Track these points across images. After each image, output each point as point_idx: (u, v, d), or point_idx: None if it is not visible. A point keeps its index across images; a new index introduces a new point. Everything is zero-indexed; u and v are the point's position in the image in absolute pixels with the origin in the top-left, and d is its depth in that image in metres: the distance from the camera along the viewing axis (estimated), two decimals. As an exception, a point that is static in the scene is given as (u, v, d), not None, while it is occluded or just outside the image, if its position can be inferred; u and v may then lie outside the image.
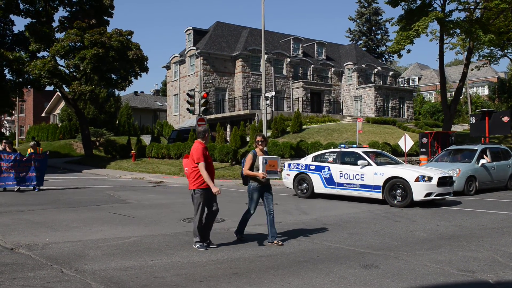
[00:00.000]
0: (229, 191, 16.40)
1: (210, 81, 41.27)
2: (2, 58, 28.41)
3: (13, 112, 41.97)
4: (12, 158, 15.38)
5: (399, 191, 11.90)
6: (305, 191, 14.17)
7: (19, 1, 30.95)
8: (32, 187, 15.74)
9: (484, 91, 62.78)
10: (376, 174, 12.36)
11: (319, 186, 13.77)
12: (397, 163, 13.71)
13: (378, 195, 12.27)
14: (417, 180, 11.66)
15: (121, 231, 8.20)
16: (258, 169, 7.19)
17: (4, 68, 30.21)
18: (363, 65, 49.38)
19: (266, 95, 22.75)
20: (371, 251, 6.77)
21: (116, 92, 48.03)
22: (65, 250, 6.71)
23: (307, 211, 11.13)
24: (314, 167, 14.00)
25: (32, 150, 16.20)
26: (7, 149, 15.74)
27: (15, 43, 33.42)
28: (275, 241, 7.19)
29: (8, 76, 31.51)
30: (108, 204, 12.24)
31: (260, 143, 7.39)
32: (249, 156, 7.32)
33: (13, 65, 29.39)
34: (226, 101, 42.26)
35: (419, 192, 11.60)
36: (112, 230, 8.34)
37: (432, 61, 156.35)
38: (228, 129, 36.75)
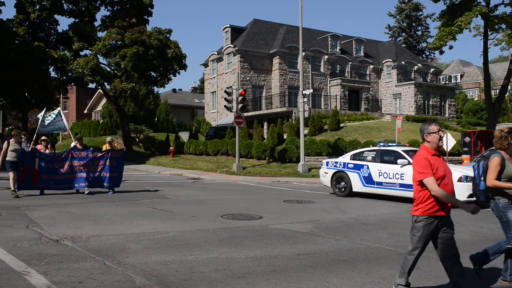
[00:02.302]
0: (266, 188, 16.42)
1: (248, 78, 41.40)
2: (47, 57, 29.42)
3: (56, 108, 43.34)
4: (85, 155, 13.47)
5: (440, 191, 11.57)
6: (343, 189, 14.01)
7: (63, 1, 31.95)
8: (107, 189, 13.80)
9: (531, 89, 60.28)
10: (416, 173, 12.05)
11: (357, 185, 13.59)
12: (439, 162, 13.33)
13: (419, 195, 11.96)
14: (460, 180, 11.32)
15: (161, 226, 8.34)
16: (509, 179, 5.20)
17: (49, 66, 31.28)
18: (403, 62, 48.36)
19: (304, 92, 22.62)
20: (412, 252, 6.62)
21: (155, 89, 48.85)
22: (107, 243, 6.89)
23: (345, 210, 11.01)
24: (352, 165, 13.82)
25: (108, 147, 14.76)
26: (78, 145, 14.04)
27: (59, 42, 34.57)
28: None
29: (53, 74, 32.64)
30: (147, 199, 12.48)
31: None
32: (496, 161, 5.27)
33: (58, 64, 30.41)
34: (263, 98, 42.30)
35: (462, 192, 11.25)
36: (152, 224, 8.50)
37: (475, 58, 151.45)
38: (265, 127, 36.79)
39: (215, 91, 45.79)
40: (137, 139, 39.83)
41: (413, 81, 46.42)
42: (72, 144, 14.28)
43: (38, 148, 13.27)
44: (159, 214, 9.81)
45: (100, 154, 13.88)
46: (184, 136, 38.31)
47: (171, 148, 31.42)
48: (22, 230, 7.69)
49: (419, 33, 68.15)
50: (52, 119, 15.14)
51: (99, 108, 58.54)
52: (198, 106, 57.89)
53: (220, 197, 13.51)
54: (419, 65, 50.17)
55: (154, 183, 17.44)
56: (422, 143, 4.89)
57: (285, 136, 28.11)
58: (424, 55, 67.65)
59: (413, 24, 67.62)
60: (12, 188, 12.37)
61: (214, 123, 44.14)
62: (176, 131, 41.26)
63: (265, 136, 31.32)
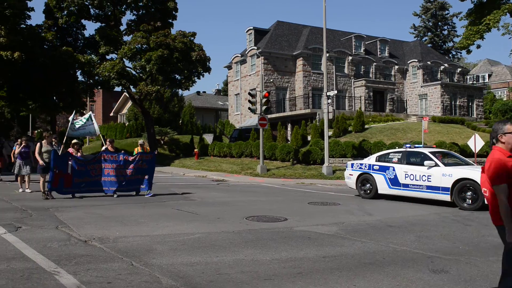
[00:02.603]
0: (290, 190, 16.38)
1: (271, 80, 41.41)
2: (74, 61, 30.05)
3: (84, 112, 44.22)
4: (117, 158, 13.37)
5: (469, 193, 11.35)
6: (368, 191, 13.87)
7: (90, 7, 32.59)
8: (141, 191, 13.76)
9: (562, 88, 58.56)
10: (444, 175, 11.87)
11: (383, 187, 13.43)
12: (467, 164, 13.12)
13: (446, 197, 11.78)
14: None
15: (186, 227, 8.40)
16: None
17: (77, 70, 31.94)
18: (429, 62, 47.60)
19: (328, 94, 22.50)
20: (440, 255, 6.51)
21: (180, 92, 49.34)
22: (134, 244, 6.97)
23: (371, 212, 10.89)
24: (378, 167, 13.67)
25: (139, 149, 14.56)
26: (110, 148, 14.00)
27: (86, 46, 35.26)
28: None
29: (80, 77, 33.30)
30: (173, 200, 12.59)
31: None
32: None
33: (85, 67, 31.02)
34: (287, 100, 42.23)
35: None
36: (177, 226, 8.57)
37: (503, 57, 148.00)
38: (289, 128, 36.73)
39: (238, 93, 45.95)
40: (162, 142, 40.25)
41: (440, 81, 45.63)
42: (104, 148, 14.24)
43: (70, 152, 13.32)
44: (185, 215, 9.89)
45: (132, 157, 13.79)
46: (208, 138, 38.57)
47: (195, 150, 31.66)
48: (51, 231, 7.86)
49: (445, 32, 67.01)
50: (82, 123, 15.25)
51: (124, 111, 59.43)
52: (222, 108, 58.18)
53: (245, 199, 13.53)
54: (446, 65, 49.31)
55: (179, 185, 17.59)
56: (449, 144, 4.74)
57: (309, 137, 28.00)
58: (450, 55, 66.48)
59: (439, 23, 66.52)
60: (42, 190, 12.55)
61: (238, 125, 44.28)
62: (200, 133, 41.55)
63: (289, 138, 31.26)
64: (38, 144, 13.25)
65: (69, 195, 12.81)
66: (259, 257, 6.28)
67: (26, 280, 5.02)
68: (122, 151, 14.01)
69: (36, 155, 12.95)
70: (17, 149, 15.30)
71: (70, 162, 12.64)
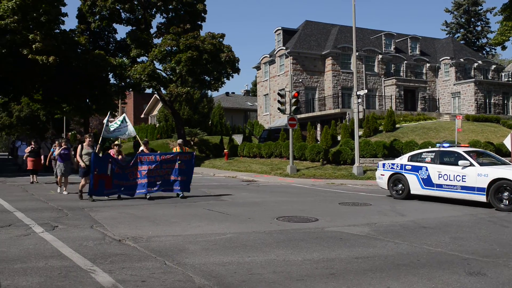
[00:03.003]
0: (320, 190, 16.28)
1: (300, 80, 41.27)
2: (107, 64, 30.69)
3: (116, 113, 45.10)
4: (154, 159, 12.98)
5: (506, 194, 11.03)
6: (400, 192, 13.65)
7: (121, 11, 33.22)
8: (175, 193, 13.32)
9: None
10: (479, 175, 11.57)
11: (415, 187, 13.19)
12: (503, 163, 12.73)
13: (482, 198, 11.48)
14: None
15: (218, 227, 8.45)
16: None
17: (109, 73, 32.62)
18: (461, 60, 46.51)
19: (358, 93, 22.26)
20: (477, 258, 6.34)
21: (209, 93, 49.75)
22: (166, 243, 7.06)
23: (404, 213, 10.71)
24: (410, 167, 13.44)
25: (178, 149, 14.00)
26: (145, 149, 13.70)
27: (118, 49, 36.02)
28: None
29: (112, 80, 34.01)
30: (204, 201, 12.70)
31: None
32: None
33: (116, 70, 31.65)
34: (316, 100, 42.01)
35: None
36: (209, 226, 8.64)
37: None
38: (318, 128, 36.51)
39: (267, 94, 45.97)
40: (192, 142, 40.63)
41: (473, 79, 44.52)
42: (141, 148, 13.90)
43: (111, 153, 13.18)
44: (216, 215, 9.95)
45: (169, 156, 13.33)
46: (238, 138, 38.73)
47: (225, 150, 31.85)
48: (87, 230, 8.04)
49: (479, 28, 65.36)
50: (117, 125, 15.30)
51: (155, 112, 60.30)
52: (251, 109, 58.34)
53: (275, 199, 13.52)
54: (479, 62, 48.08)
55: (209, 185, 17.73)
56: (483, 143, 4.63)
57: (339, 137, 27.75)
58: (484, 52, 64.79)
59: (472, 19, 64.93)
60: (80, 191, 12.68)
61: (267, 125, 44.30)
62: (229, 134, 41.77)
63: (319, 138, 31.06)
64: (79, 146, 13.11)
65: (108, 196, 12.75)
66: (291, 257, 6.26)
67: (64, 278, 5.15)
68: (159, 152, 13.42)
69: (78, 157, 12.89)
70: (56, 151, 15.37)
71: (110, 164, 12.49)
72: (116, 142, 13.80)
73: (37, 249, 6.52)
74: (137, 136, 18.15)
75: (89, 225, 8.51)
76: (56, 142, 16.56)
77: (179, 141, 14.61)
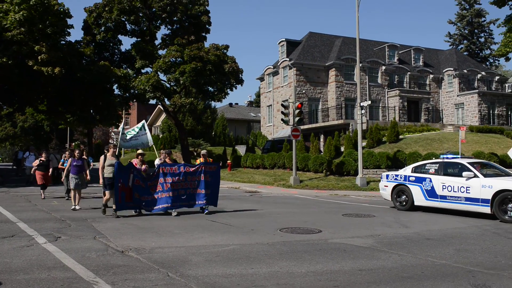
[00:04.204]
0: (324, 201, 16.23)
1: (303, 91, 41.36)
2: (111, 75, 30.85)
3: (119, 124, 45.27)
4: (178, 171, 12.00)
5: (510, 205, 10.97)
6: (404, 203, 13.59)
7: (126, 22, 33.46)
8: (199, 207, 12.51)
9: None
10: (483, 186, 11.52)
11: (419, 198, 13.14)
12: (507, 175, 12.69)
13: (486, 209, 11.41)
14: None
15: (221, 239, 8.43)
16: None
17: (113, 84, 32.79)
18: (465, 71, 46.53)
19: (361, 104, 22.27)
20: (482, 270, 6.30)
21: (213, 104, 49.84)
22: (169, 255, 7.05)
23: (407, 225, 10.66)
24: (414, 178, 13.40)
25: (202, 160, 12.86)
26: (167, 160, 12.60)
27: (123, 60, 36.22)
28: None
29: (116, 91, 34.16)
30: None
31: None
32: None
33: (121, 81, 31.79)
34: (320, 111, 42.05)
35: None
36: (212, 237, 8.61)
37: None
38: (321, 139, 36.51)
39: (271, 105, 46.06)
40: (195, 153, 40.67)
41: (477, 90, 44.49)
42: (157, 160, 12.92)
43: (133, 163, 12.03)
44: (219, 227, 9.93)
45: (193, 168, 12.39)
46: (241, 149, 38.74)
47: (228, 161, 31.83)
48: (89, 241, 8.04)
49: (482, 40, 65.41)
50: (135, 133, 14.45)
51: (158, 123, 60.48)
52: (254, 119, 58.42)
53: (278, 210, 13.49)
54: (483, 73, 48.08)
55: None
56: (487, 154, 4.64)
57: (342, 148, 27.72)
58: (488, 63, 64.77)
59: (475, 30, 65.01)
60: (103, 206, 11.76)
61: (270, 136, 44.32)
62: (233, 145, 41.79)
63: (322, 149, 31.04)
64: (102, 157, 11.88)
65: (131, 210, 11.82)
66: (294, 269, 6.23)
67: (67, 289, 5.14)
68: (183, 163, 12.07)
69: (100, 170, 11.78)
70: (68, 162, 13.96)
71: (131, 175, 11.51)
72: (140, 151, 12.64)
73: (40, 260, 6.52)
74: (154, 146, 16.81)
75: (92, 236, 8.50)
76: (67, 152, 15.60)
77: (203, 151, 13.44)
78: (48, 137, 61.25)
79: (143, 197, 11.66)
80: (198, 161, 13.03)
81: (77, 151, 13.71)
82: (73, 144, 59.08)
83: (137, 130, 14.42)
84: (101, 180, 11.71)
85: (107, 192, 11.63)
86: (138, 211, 11.88)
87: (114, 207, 11.40)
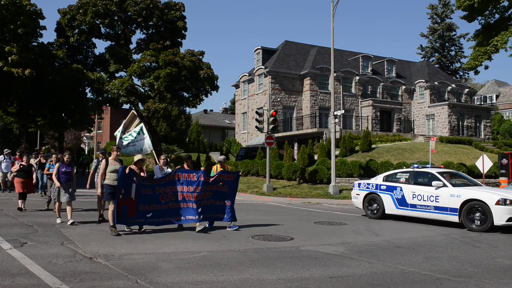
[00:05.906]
0: (297, 209, 16.28)
1: (278, 99, 41.56)
2: (84, 78, 30.39)
3: (92, 129, 44.50)
4: (196, 178, 10.24)
5: (477, 214, 11.23)
6: (375, 211, 13.76)
7: (100, 26, 33.07)
8: (225, 221, 10.81)
9: None
10: (452, 196, 11.78)
11: (390, 207, 13.32)
12: (475, 184, 13.01)
13: (455, 218, 11.65)
14: (498, 203, 10.94)
15: (192, 246, 8.35)
16: None
17: (86, 87, 32.30)
18: (436, 83, 47.65)
19: (335, 113, 22.51)
20: (449, 277, 6.41)
21: (187, 110, 49.64)
22: (139, 261, 6.93)
23: (378, 233, 10.78)
24: (385, 187, 13.59)
25: (219, 168, 11.41)
26: (186, 166, 10.95)
27: (96, 64, 35.74)
28: None
29: (89, 95, 33.66)
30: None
31: None
32: None
33: (94, 85, 31.38)
34: (294, 119, 42.31)
35: (500, 216, 10.87)
36: (183, 244, 8.52)
37: (511, 78, 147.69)
38: (295, 147, 36.68)
39: (246, 112, 46.11)
40: (169, 159, 40.29)
41: (447, 102, 45.59)
42: (156, 167, 11.24)
43: (134, 169, 9.98)
44: (190, 233, 9.83)
45: (213, 177, 10.77)
46: (215, 156, 38.52)
47: (202, 168, 31.63)
48: (57, 247, 7.84)
49: (453, 53, 67.17)
50: (132, 138, 12.90)
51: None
52: (229, 126, 58.36)
53: (251, 217, 13.45)
54: (453, 85, 49.32)
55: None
56: (456, 164, 4.74)
57: (315, 157, 27.92)
58: (458, 76, 66.50)
59: (446, 44, 66.73)
60: (111, 224, 9.45)
61: (245, 143, 44.32)
62: (207, 152, 41.59)
63: (296, 157, 31.18)
64: (103, 161, 10.31)
65: (135, 226, 10.02)
66: (265, 276, 6.21)
67: (31, 297, 4.99)
68: (202, 170, 10.51)
69: (99, 178, 10.18)
70: (55, 168, 11.20)
71: (134, 184, 9.66)
72: (139, 157, 10.62)
73: (4, 267, 6.31)
74: (153, 151, 15.07)
75: (59, 242, 8.30)
76: (53, 156, 13.29)
77: (221, 157, 11.99)
78: (17, 140, 59.68)
79: (150, 206, 9.83)
80: (215, 168, 11.55)
81: (66, 155, 11.31)
82: (43, 148, 57.79)
83: (135, 134, 13.12)
84: (98, 190, 10.12)
85: (110, 205, 9.70)
86: (140, 228, 10.09)
87: (111, 223, 9.46)
